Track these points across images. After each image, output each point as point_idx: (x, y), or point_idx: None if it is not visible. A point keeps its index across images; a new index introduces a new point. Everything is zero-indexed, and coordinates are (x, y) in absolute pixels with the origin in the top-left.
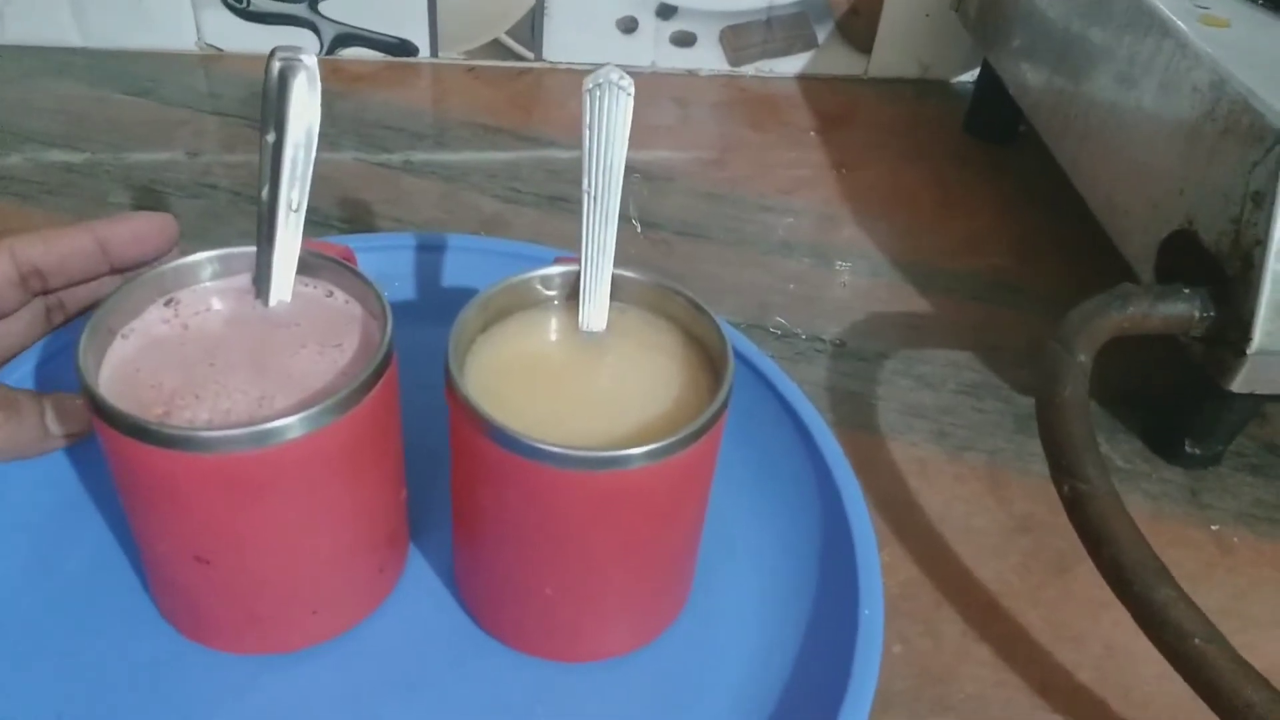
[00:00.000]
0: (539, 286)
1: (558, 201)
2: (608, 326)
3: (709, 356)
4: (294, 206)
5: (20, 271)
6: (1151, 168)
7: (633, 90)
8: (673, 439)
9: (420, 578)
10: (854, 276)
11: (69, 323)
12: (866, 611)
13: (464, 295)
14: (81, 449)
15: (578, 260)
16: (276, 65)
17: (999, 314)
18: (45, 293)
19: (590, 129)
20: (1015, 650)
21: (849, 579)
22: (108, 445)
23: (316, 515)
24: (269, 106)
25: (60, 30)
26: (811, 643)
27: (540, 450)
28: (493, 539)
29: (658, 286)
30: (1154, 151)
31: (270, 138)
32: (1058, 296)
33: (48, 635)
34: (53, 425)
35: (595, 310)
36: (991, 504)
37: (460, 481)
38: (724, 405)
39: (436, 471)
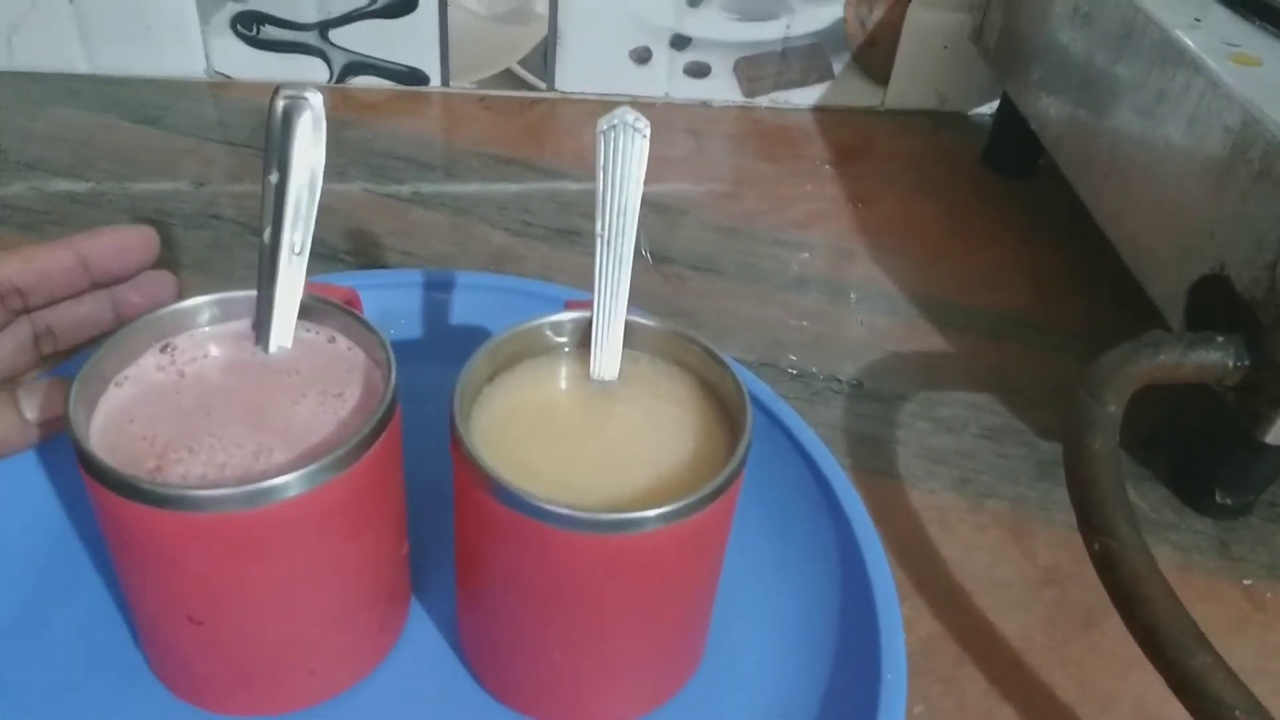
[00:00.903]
0: (549, 333)
1: (569, 235)
2: (620, 375)
3: (725, 407)
4: (297, 249)
5: (0, 290)
6: (1180, 208)
7: (648, 132)
8: (688, 500)
9: (421, 635)
10: (870, 314)
11: (59, 354)
12: (889, 676)
13: (471, 334)
14: (73, 498)
15: (590, 303)
16: (281, 104)
17: (1019, 353)
18: (26, 311)
19: (605, 170)
20: (1040, 711)
21: (870, 639)
22: (97, 501)
23: (314, 574)
24: (272, 145)
25: (68, 57)
26: (831, 706)
27: (549, 512)
28: (498, 599)
29: (672, 334)
30: (1183, 191)
31: (273, 178)
32: (1080, 336)
33: (36, 692)
34: (29, 413)
35: (607, 358)
36: (1015, 555)
37: (464, 539)
38: (741, 464)
39: (440, 521)
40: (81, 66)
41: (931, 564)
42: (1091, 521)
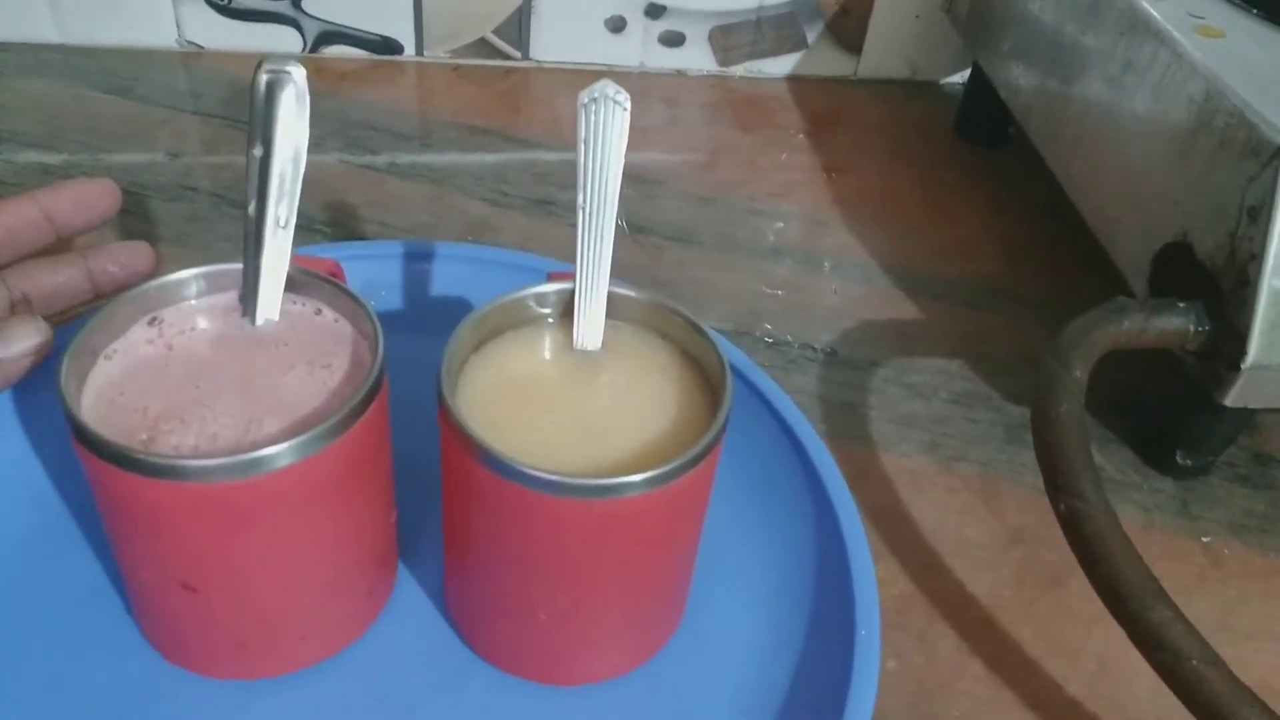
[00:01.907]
0: (533, 304)
1: (546, 205)
2: (603, 345)
3: (706, 376)
4: (282, 222)
5: None
6: (1145, 178)
7: (629, 105)
8: (671, 465)
9: (409, 599)
10: (844, 282)
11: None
12: (864, 632)
13: (454, 305)
14: (59, 469)
15: (572, 275)
16: (264, 78)
17: (989, 321)
18: None
19: (585, 144)
20: (1009, 665)
21: (845, 598)
22: (91, 473)
23: (306, 541)
24: (256, 120)
25: (36, 26)
26: (807, 662)
27: (536, 478)
28: (485, 563)
29: (654, 304)
30: (1148, 162)
31: (257, 152)
32: (1047, 304)
33: (30, 658)
34: (2, 350)
35: (590, 328)
36: (985, 516)
37: (452, 505)
38: (722, 430)
39: (425, 489)
40: (50, 36)
41: (904, 526)
42: (1058, 483)
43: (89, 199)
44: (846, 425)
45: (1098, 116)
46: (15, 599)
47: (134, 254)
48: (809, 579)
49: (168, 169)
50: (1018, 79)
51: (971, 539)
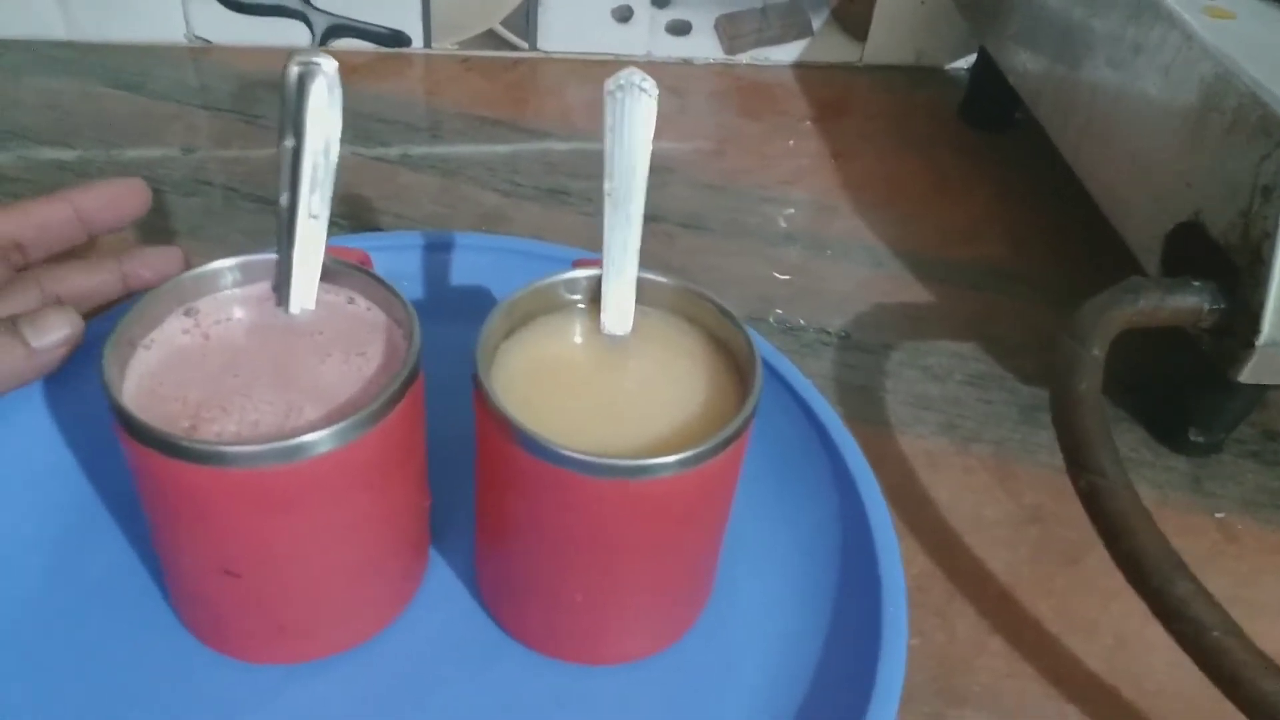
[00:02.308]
0: (563, 290)
1: (559, 194)
2: (632, 330)
3: (733, 359)
4: (314, 213)
5: (0, 245)
6: (1156, 159)
7: (655, 92)
8: (703, 447)
9: (441, 582)
10: (855, 267)
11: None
12: (890, 609)
13: (476, 294)
14: (99, 460)
15: (598, 262)
16: (295, 69)
17: (999, 303)
18: (26, 265)
19: (612, 131)
20: (1028, 641)
21: (870, 576)
22: (135, 461)
23: (345, 526)
24: (287, 112)
25: (45, 23)
26: (835, 640)
27: (573, 459)
28: (519, 545)
29: (682, 290)
30: (1159, 143)
31: (289, 143)
32: (1057, 286)
33: (68, 644)
34: (34, 340)
35: (619, 314)
36: (1001, 495)
37: (486, 488)
38: (753, 412)
39: (454, 475)
40: (59, 33)
41: (922, 505)
42: (1078, 459)
43: (119, 198)
44: (863, 408)
45: (1108, 99)
46: (52, 588)
47: (168, 259)
48: (833, 558)
49: (181, 164)
50: (1025, 63)
51: (988, 517)
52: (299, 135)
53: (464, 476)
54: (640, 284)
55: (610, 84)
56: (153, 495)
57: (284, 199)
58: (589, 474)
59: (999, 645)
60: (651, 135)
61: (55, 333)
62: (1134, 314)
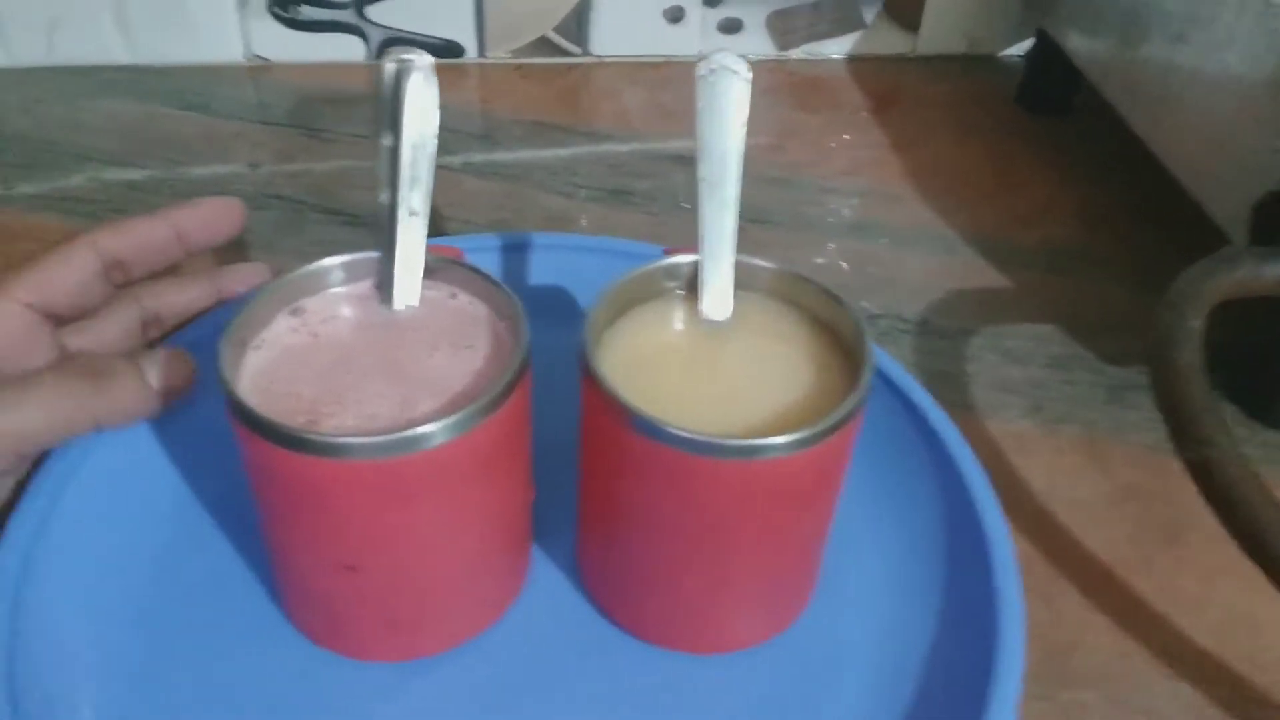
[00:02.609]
0: (662, 278)
1: (621, 195)
2: (732, 315)
3: (837, 341)
4: (414, 210)
5: (103, 263)
6: (1240, 129)
7: (749, 75)
8: (822, 425)
9: (545, 576)
10: (926, 254)
11: (166, 337)
12: (1005, 590)
13: (556, 293)
14: (198, 466)
15: (689, 250)
16: (391, 66)
17: (1075, 285)
18: (127, 283)
19: (704, 115)
20: (1134, 620)
21: (980, 559)
22: (254, 457)
23: (460, 519)
24: (383, 110)
25: (107, 48)
26: (948, 623)
27: (690, 440)
28: (629, 533)
29: (783, 273)
30: (1242, 112)
31: (387, 141)
32: (1133, 265)
33: (180, 652)
34: (155, 382)
35: (718, 299)
36: (1094, 475)
37: (595, 477)
38: (868, 389)
39: (552, 469)
40: (121, 57)
41: (1015, 489)
42: (1186, 432)
43: (217, 217)
44: (946, 393)
45: (1184, 71)
46: (159, 597)
47: (257, 274)
48: (938, 542)
49: (249, 179)
50: (1090, 43)
51: (1083, 498)
52: (397, 132)
53: (558, 471)
54: (738, 268)
55: (702, 68)
56: (272, 492)
57: (384, 197)
58: (706, 455)
59: (1105, 625)
60: (745, 118)
61: (178, 378)
62: (1231, 284)
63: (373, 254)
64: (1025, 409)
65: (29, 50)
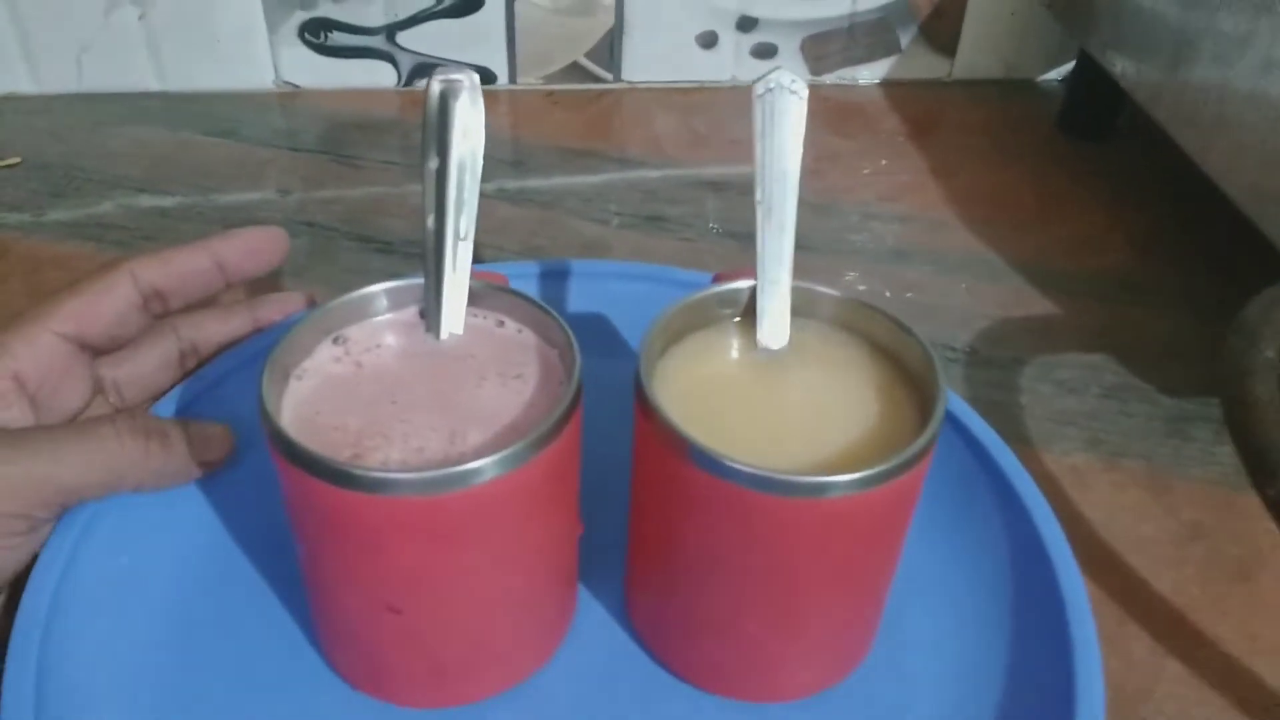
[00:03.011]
0: (715, 305)
1: (657, 221)
2: (789, 343)
3: (901, 371)
4: (461, 235)
5: (142, 293)
6: None
7: (805, 94)
8: (892, 462)
9: (593, 617)
10: (974, 281)
11: (203, 365)
12: (1079, 634)
13: (601, 321)
14: (233, 504)
15: (740, 275)
16: (437, 87)
17: (1127, 313)
18: (165, 313)
19: (762, 136)
20: (1208, 665)
21: (1051, 602)
22: (297, 492)
23: (509, 556)
24: (429, 132)
25: (138, 75)
26: (1020, 670)
27: (755, 476)
28: (686, 573)
29: (843, 300)
30: None
31: (433, 164)
32: (1187, 292)
33: (210, 694)
34: (199, 453)
35: (775, 326)
36: (1157, 511)
37: (649, 514)
38: (940, 424)
39: (597, 503)
40: (151, 84)
41: (1076, 525)
42: (1265, 467)
43: (260, 247)
44: (999, 424)
45: (1241, 92)
46: (191, 636)
47: (296, 305)
48: (1004, 583)
49: (280, 206)
50: (1138, 64)
51: (1148, 535)
52: (443, 155)
53: (605, 507)
54: (796, 294)
55: (759, 87)
56: (315, 529)
57: (430, 221)
58: (772, 492)
59: (1178, 670)
60: (801, 137)
61: (215, 453)
62: None
63: (415, 280)
64: (1083, 441)
65: (59, 77)
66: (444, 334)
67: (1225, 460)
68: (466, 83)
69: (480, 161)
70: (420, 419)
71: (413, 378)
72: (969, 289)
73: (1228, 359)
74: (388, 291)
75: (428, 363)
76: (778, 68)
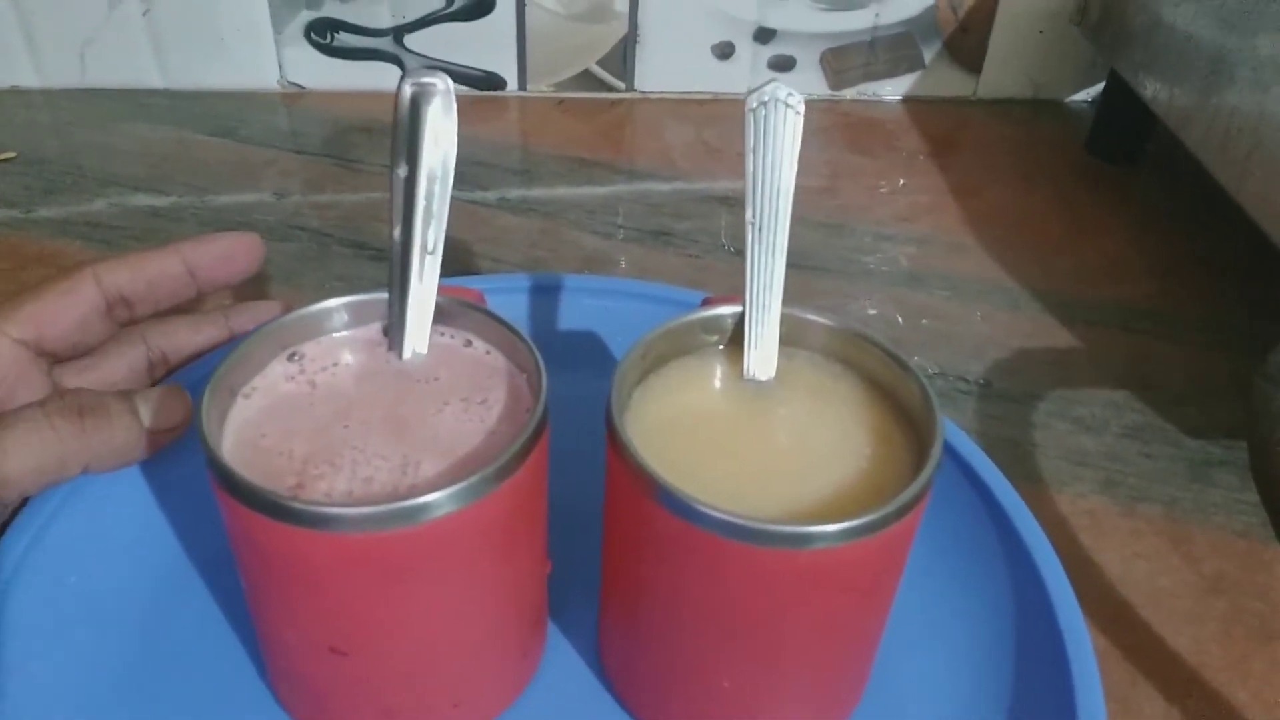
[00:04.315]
0: (700, 331)
1: (662, 236)
2: (777, 375)
3: (897, 408)
4: (429, 248)
5: (107, 299)
6: None
7: (802, 108)
8: (881, 512)
9: (561, 662)
10: (991, 309)
11: (171, 374)
12: (1084, 696)
13: (588, 340)
14: (192, 522)
15: (730, 299)
16: (408, 90)
17: (1151, 346)
18: (132, 321)
19: (754, 152)
20: None
21: (1055, 659)
22: (234, 523)
23: (466, 597)
24: (400, 137)
25: (142, 72)
26: None
27: (729, 524)
28: (657, 622)
29: (836, 329)
30: None
31: (401, 172)
32: (1216, 326)
33: None
34: (149, 421)
35: (763, 356)
36: (1177, 562)
37: (617, 555)
38: (935, 469)
39: (571, 539)
40: (155, 81)
41: (1088, 573)
42: None
43: (233, 254)
44: (1011, 463)
45: (1277, 120)
46: (141, 664)
47: (274, 314)
48: (1006, 636)
49: (274, 209)
50: (1170, 87)
51: (1165, 588)
52: (413, 162)
53: (582, 541)
54: (786, 322)
55: (752, 100)
56: (253, 562)
57: (396, 233)
58: (747, 540)
59: None
60: (797, 154)
61: (172, 418)
62: None
63: (380, 295)
64: (1098, 484)
65: (62, 72)
66: (407, 353)
67: (1252, 509)
68: (440, 86)
69: (451, 171)
70: (372, 446)
71: (369, 400)
72: (985, 317)
73: (1254, 404)
74: (349, 306)
75: (387, 384)
76: (773, 80)
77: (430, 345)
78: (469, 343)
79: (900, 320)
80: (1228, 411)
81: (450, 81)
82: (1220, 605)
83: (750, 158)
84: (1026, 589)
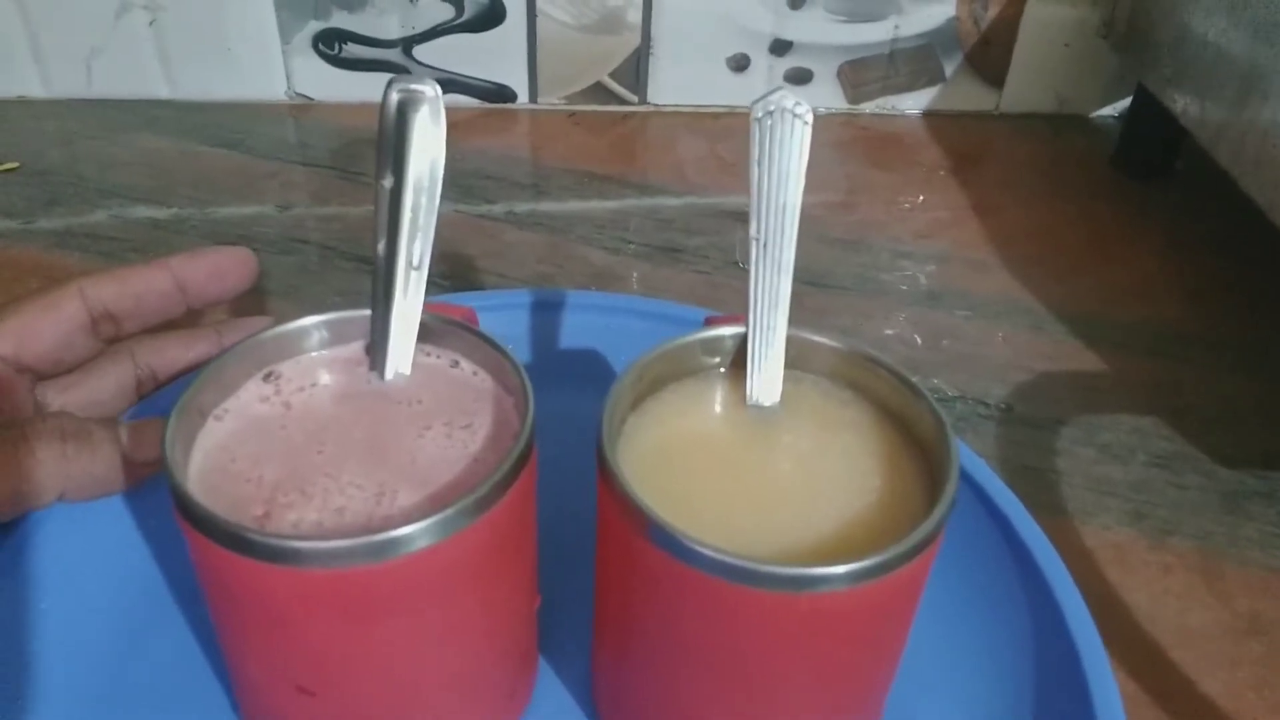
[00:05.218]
0: (700, 352)
1: (671, 252)
2: (782, 400)
3: (910, 437)
4: (415, 263)
5: (91, 314)
6: None
7: (811, 119)
8: (890, 553)
9: (552, 699)
10: (1013, 330)
11: (159, 390)
12: None
13: (588, 359)
14: (167, 547)
15: (733, 319)
16: (394, 97)
17: (1181, 370)
18: (118, 337)
19: (759, 164)
20: None
21: (1077, 702)
22: (197, 554)
23: (444, 636)
24: (385, 147)
25: (148, 82)
26: None
27: (725, 564)
28: (652, 664)
29: (845, 352)
30: None
31: (387, 183)
32: (1248, 349)
33: None
34: (132, 452)
35: (767, 380)
36: (1209, 600)
37: (611, 593)
38: (950, 507)
39: (566, 570)
40: (162, 91)
41: (1114, 611)
42: None
43: (225, 269)
44: (1034, 492)
45: None
46: (115, 694)
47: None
48: (1025, 678)
49: (277, 221)
50: (1201, 102)
51: (1197, 627)
52: (399, 173)
53: (577, 572)
54: (792, 344)
55: (758, 110)
56: (217, 595)
57: (380, 247)
58: (744, 582)
59: None
60: (805, 168)
61: (155, 449)
62: None
63: (361, 312)
64: (1126, 515)
65: (68, 82)
66: (389, 374)
67: None
68: (428, 93)
69: (440, 182)
70: (347, 473)
71: (347, 423)
72: (1006, 338)
73: None
74: (330, 323)
75: (366, 407)
76: (779, 88)
77: (414, 366)
78: (456, 363)
79: (919, 341)
80: (1261, 439)
81: (439, 89)
82: (1256, 647)
83: (755, 170)
84: (1048, 629)
